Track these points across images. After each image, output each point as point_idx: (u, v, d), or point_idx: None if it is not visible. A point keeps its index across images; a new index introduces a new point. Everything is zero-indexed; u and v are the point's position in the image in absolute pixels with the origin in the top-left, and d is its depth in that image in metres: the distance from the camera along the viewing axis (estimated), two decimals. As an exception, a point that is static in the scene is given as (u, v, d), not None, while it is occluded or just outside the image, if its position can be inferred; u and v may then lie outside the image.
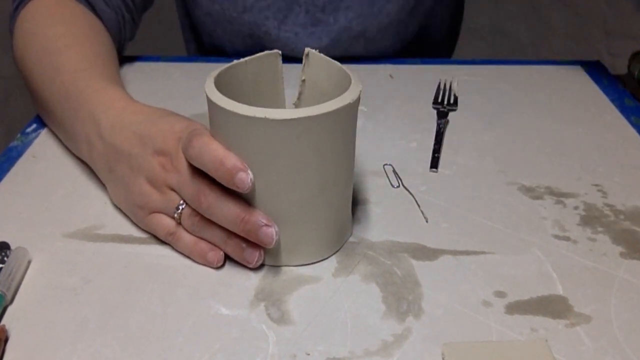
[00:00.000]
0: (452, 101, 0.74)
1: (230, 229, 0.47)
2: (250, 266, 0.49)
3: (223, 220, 0.47)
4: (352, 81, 0.48)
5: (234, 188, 0.45)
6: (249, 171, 0.45)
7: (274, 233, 0.46)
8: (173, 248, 0.52)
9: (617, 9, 1.77)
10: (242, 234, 0.47)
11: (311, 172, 0.46)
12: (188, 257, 0.51)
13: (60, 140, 0.66)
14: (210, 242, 0.50)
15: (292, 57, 0.73)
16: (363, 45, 0.84)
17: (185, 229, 0.50)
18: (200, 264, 0.50)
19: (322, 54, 0.53)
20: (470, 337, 0.44)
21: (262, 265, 0.50)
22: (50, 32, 0.65)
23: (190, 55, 0.98)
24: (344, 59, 0.56)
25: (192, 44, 0.97)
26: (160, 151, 0.50)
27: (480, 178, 0.60)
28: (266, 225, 0.46)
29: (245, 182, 0.44)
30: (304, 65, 0.53)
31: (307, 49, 0.53)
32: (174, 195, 0.50)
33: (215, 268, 0.50)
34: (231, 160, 0.45)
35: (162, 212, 0.51)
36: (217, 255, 0.49)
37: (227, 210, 0.47)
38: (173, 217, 0.50)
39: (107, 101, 0.56)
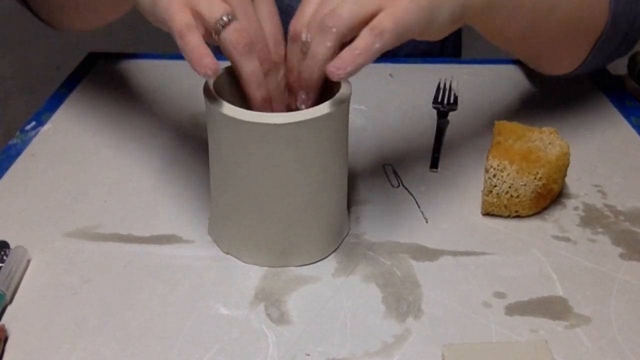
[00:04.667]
0: (452, 101, 0.74)
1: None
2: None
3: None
4: (342, 83, 0.48)
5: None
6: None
7: (210, 64, 0.43)
8: (173, 247, 0.52)
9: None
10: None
11: (309, 173, 0.47)
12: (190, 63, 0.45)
13: (60, 139, 0.66)
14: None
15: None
16: None
17: (215, 40, 0.45)
18: (195, 70, 0.44)
19: None
20: (470, 338, 0.44)
21: (261, 266, 0.50)
22: None
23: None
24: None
25: None
26: None
27: (480, 178, 0.60)
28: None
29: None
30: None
31: None
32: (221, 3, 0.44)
33: (209, 74, 0.44)
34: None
35: (193, 8, 0.45)
36: (213, 62, 0.44)
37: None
38: (203, 20, 0.45)
39: None
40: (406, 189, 0.59)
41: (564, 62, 0.66)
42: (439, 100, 0.74)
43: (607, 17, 0.63)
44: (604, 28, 0.63)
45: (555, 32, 0.61)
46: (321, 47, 0.45)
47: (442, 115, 0.71)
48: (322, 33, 0.45)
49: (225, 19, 0.44)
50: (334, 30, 0.44)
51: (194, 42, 0.44)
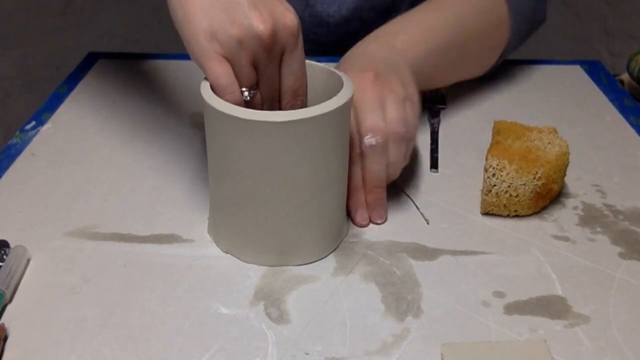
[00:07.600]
0: (439, 99, 0.73)
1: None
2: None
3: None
4: (344, 81, 0.48)
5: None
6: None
7: None
8: (172, 246, 0.52)
9: (617, 9, 1.77)
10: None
11: (309, 172, 0.47)
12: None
13: (60, 139, 0.66)
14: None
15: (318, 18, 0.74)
16: None
17: (244, 98, 0.48)
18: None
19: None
20: (469, 338, 0.44)
21: (261, 265, 0.50)
22: None
23: None
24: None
25: None
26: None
27: (479, 178, 0.60)
28: None
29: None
30: None
31: None
32: (251, 72, 0.47)
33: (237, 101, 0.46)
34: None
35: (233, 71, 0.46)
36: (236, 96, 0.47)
37: None
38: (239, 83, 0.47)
39: None
40: (404, 192, 0.59)
41: (476, 72, 0.73)
42: (427, 99, 0.73)
43: (509, 30, 0.70)
44: (507, 40, 0.70)
45: (468, 59, 0.70)
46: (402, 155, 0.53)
47: (433, 114, 0.71)
48: (401, 142, 0.53)
49: (247, 94, 0.47)
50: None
51: (222, 74, 0.46)
